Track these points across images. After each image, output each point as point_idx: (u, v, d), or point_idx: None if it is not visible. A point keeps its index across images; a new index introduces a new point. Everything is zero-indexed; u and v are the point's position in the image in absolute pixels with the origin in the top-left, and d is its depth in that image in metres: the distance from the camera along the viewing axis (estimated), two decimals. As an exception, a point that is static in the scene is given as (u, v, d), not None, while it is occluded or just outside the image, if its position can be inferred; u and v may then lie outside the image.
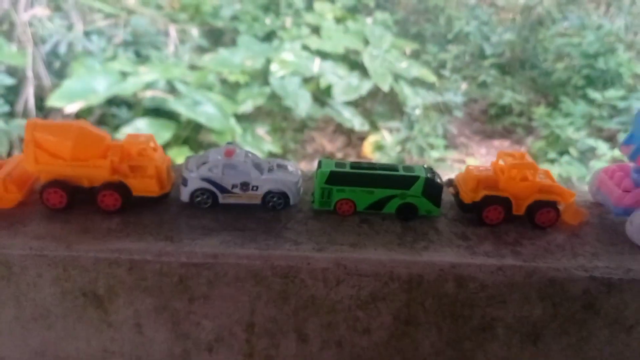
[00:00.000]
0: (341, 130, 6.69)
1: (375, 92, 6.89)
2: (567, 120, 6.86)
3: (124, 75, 5.33)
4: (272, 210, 0.89)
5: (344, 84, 6.67)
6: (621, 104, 6.86)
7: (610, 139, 6.58)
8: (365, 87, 6.75)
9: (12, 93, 4.93)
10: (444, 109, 6.34)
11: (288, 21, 7.53)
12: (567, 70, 7.44)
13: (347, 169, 0.89)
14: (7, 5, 5.29)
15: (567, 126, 6.74)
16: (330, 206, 0.89)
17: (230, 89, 6.17)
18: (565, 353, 0.86)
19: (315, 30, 7.39)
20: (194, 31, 6.90)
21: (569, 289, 0.81)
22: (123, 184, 0.83)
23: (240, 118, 5.88)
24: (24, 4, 5.41)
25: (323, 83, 6.51)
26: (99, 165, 0.82)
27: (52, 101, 4.67)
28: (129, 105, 5.27)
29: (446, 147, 6.20)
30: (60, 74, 5.34)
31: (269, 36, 7.25)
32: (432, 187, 0.88)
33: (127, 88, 5.06)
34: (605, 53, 7.35)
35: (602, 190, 0.93)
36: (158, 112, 5.22)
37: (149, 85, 5.39)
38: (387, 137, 6.18)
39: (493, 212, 0.88)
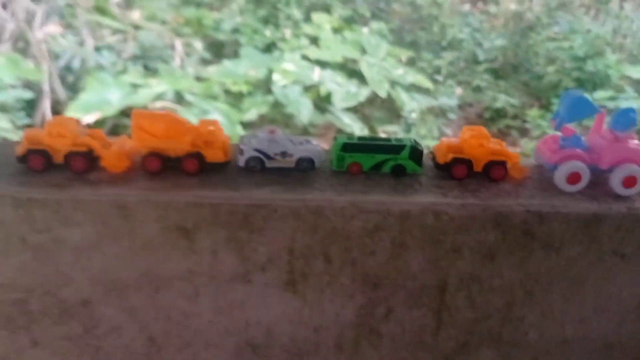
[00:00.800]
0: (343, 136, 6.89)
1: (373, 99, 7.11)
2: (558, 122, 7.09)
3: (135, 87, 5.56)
4: (302, 171, 1.19)
5: (343, 92, 6.87)
6: (610, 104, 7.09)
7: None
8: (364, 93, 6.94)
9: (30, 106, 5.17)
10: (440, 113, 6.59)
11: (287, 32, 7.79)
12: (558, 73, 7.66)
13: (356, 141, 1.19)
14: (23, 24, 5.56)
15: (558, 127, 6.96)
16: (344, 167, 1.19)
17: (235, 98, 6.40)
18: (513, 268, 1.15)
19: (314, 40, 7.63)
20: (198, 44, 7.17)
21: (512, 220, 1.10)
22: (200, 154, 1.14)
23: (245, 126, 6.11)
24: (39, 22, 5.67)
25: (323, 91, 6.70)
26: (182, 140, 1.13)
27: (71, 113, 4.92)
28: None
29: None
30: (74, 88, 5.58)
31: (269, 47, 7.50)
32: (416, 152, 1.19)
33: (139, 99, 5.30)
34: (594, 56, 7.58)
35: (540, 154, 1.23)
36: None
37: (159, 96, 5.64)
38: (386, 141, 6.41)
39: (459, 170, 1.18)
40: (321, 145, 1.23)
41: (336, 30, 8.02)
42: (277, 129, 1.21)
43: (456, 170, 1.19)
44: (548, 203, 1.13)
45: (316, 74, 6.74)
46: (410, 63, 8.18)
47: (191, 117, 5.34)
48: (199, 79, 6.40)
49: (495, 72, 8.38)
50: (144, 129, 1.13)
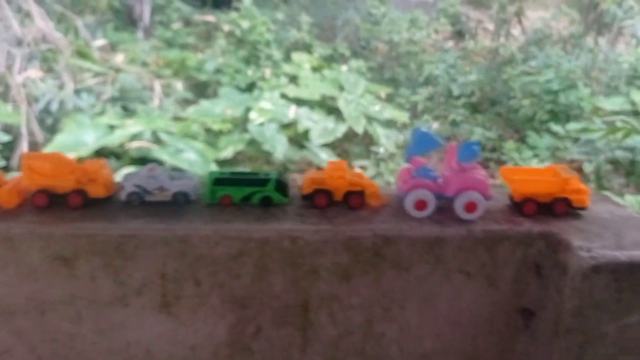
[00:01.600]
0: (322, 171, 6.98)
1: (351, 134, 7.25)
2: (532, 153, 7.21)
3: (111, 128, 5.71)
4: (178, 204, 1.31)
5: (320, 128, 7.00)
6: (583, 136, 7.21)
7: (577, 169, 6.95)
8: (341, 129, 7.06)
9: (8, 149, 5.32)
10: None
11: (267, 72, 8.02)
12: (533, 106, 7.82)
13: (227, 175, 1.32)
14: (3, 68, 5.75)
15: (531, 158, 7.07)
16: (216, 200, 1.32)
17: (214, 137, 6.57)
18: (368, 287, 1.26)
19: (294, 79, 7.85)
20: (179, 85, 7.37)
21: (362, 243, 1.21)
22: (83, 190, 1.28)
23: (222, 163, 6.25)
24: (18, 67, 5.87)
25: (300, 128, 6.85)
26: (68, 178, 1.27)
27: (45, 154, 5.07)
28: (117, 155, 5.68)
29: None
30: (52, 130, 5.74)
31: (250, 87, 7.73)
32: (281, 184, 1.31)
33: (114, 139, 5.46)
34: (567, 89, 7.75)
35: (397, 184, 1.36)
36: (144, 160, 5.61)
37: (135, 137, 5.79)
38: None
39: (320, 199, 1.30)
40: (197, 180, 1.37)
41: (316, 69, 8.23)
42: (156, 166, 1.35)
43: (317, 199, 1.32)
44: (396, 227, 1.25)
45: (292, 111, 6.91)
46: (389, 99, 8.37)
47: (165, 156, 5.45)
48: (177, 118, 6.58)
49: (472, 106, 8.54)
50: (33, 169, 1.27)
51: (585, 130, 7.29)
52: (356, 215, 1.30)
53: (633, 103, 7.99)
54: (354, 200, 1.33)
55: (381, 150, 5.99)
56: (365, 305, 1.31)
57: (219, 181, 1.32)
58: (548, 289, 1.29)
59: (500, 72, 8.69)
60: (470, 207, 1.29)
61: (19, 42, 5.94)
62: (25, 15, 6.26)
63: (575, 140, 7.27)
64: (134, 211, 1.28)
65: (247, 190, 1.32)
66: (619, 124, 6.20)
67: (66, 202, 1.28)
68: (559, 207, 1.33)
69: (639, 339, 1.27)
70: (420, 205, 1.30)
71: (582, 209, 1.35)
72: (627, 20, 8.78)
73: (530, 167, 1.41)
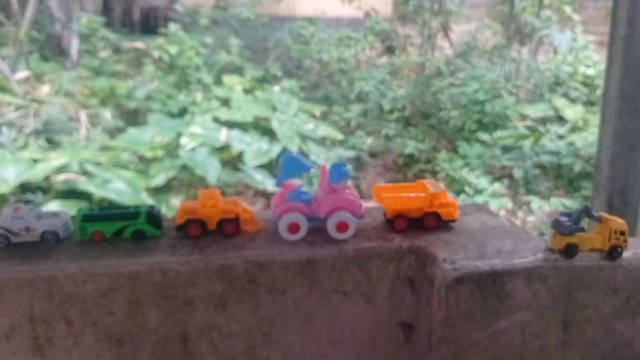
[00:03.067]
0: (261, 193, 6.97)
1: (285, 154, 7.26)
2: (462, 162, 7.39)
3: (34, 162, 5.55)
4: (48, 244, 1.29)
5: (254, 149, 6.98)
6: (509, 143, 7.45)
7: (508, 176, 7.17)
8: (275, 150, 7.07)
9: None
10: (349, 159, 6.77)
11: (199, 96, 7.97)
12: (462, 116, 8.05)
13: (95, 211, 1.31)
14: None
15: (462, 168, 7.24)
16: (87, 236, 1.30)
17: (147, 164, 6.46)
18: (246, 314, 1.26)
19: (226, 102, 7.83)
20: (107, 114, 7.23)
21: (235, 270, 1.22)
22: None
23: (154, 191, 6.15)
24: None
25: (234, 150, 6.82)
26: None
27: (-38, 192, 4.89)
28: (43, 189, 5.51)
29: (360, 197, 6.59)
30: (-29, 167, 5.52)
31: (182, 112, 7.65)
32: (152, 216, 1.31)
33: (37, 174, 5.30)
34: (492, 99, 8.01)
35: (271, 208, 1.38)
36: (72, 193, 5.47)
37: (61, 169, 5.64)
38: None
39: (193, 229, 1.31)
40: (67, 218, 1.35)
41: (248, 91, 8.23)
42: (22, 206, 1.32)
43: (190, 229, 1.32)
44: (267, 252, 1.27)
45: (223, 134, 6.88)
46: (323, 117, 8.44)
47: (93, 187, 5.31)
48: (105, 148, 6.45)
49: (405, 119, 8.71)
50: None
51: (502, 138, 7.52)
52: (230, 243, 1.31)
53: (556, 109, 8.32)
54: (227, 227, 1.33)
55: (313, 168, 6.01)
56: (245, 331, 1.31)
57: (88, 217, 1.30)
58: (421, 302, 1.32)
59: (429, 85, 8.92)
60: (342, 226, 1.31)
61: None
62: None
63: (504, 147, 7.51)
64: (1, 254, 1.26)
65: (118, 224, 1.31)
66: (524, 131, 6.48)
67: None
68: (429, 221, 1.37)
69: (510, 344, 1.32)
70: (293, 228, 1.31)
71: (452, 221, 1.40)
72: (544, 30, 9.16)
73: (400, 184, 1.44)
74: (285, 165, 1.34)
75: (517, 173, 7.10)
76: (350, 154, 6.49)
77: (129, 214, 1.31)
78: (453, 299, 1.24)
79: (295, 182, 1.38)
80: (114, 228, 1.31)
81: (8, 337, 1.22)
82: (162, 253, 1.26)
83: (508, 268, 1.25)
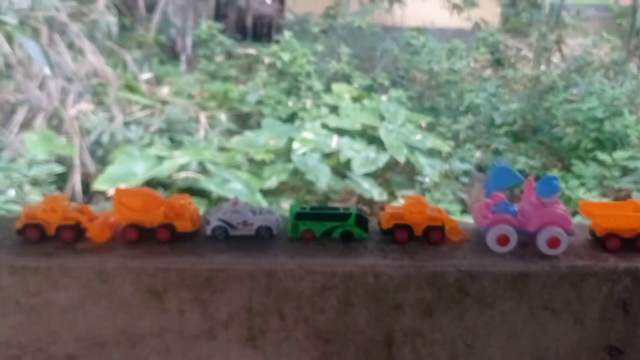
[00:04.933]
0: (363, 200, 6.97)
1: (392, 164, 7.24)
2: (578, 182, 7.06)
3: (160, 159, 5.84)
4: (261, 238, 1.35)
5: (362, 158, 7.01)
6: (631, 164, 7.06)
7: (625, 199, 6.78)
8: (383, 159, 7.05)
9: (61, 180, 5.48)
10: (452, 176, 6.68)
11: (308, 103, 8.11)
12: (577, 134, 7.70)
13: (308, 210, 1.35)
14: (57, 102, 5.96)
15: (578, 187, 6.93)
16: (298, 234, 1.34)
17: (257, 166, 6.64)
18: (451, 323, 1.26)
19: (334, 109, 7.92)
20: (223, 116, 7.52)
21: (446, 278, 1.22)
22: (171, 224, 1.32)
23: (266, 193, 6.31)
24: (72, 101, 6.07)
25: (342, 157, 6.87)
26: (156, 213, 1.32)
27: (97, 185, 5.22)
28: (165, 185, 5.80)
29: (462, 211, 6.47)
30: (103, 161, 5.90)
31: (291, 117, 7.83)
32: (361, 219, 1.33)
33: (163, 170, 5.58)
34: (612, 116, 7.62)
35: (476, 219, 1.36)
36: (191, 190, 5.71)
37: (183, 167, 5.92)
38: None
39: (400, 234, 1.32)
40: (279, 215, 1.40)
41: (356, 99, 8.29)
42: (240, 201, 1.38)
43: (398, 234, 1.33)
44: (479, 263, 1.26)
45: (334, 141, 6.95)
46: (430, 128, 8.35)
47: (212, 186, 5.53)
48: (222, 149, 6.69)
49: (514, 134, 8.46)
50: (124, 204, 1.32)
51: (633, 158, 7.14)
52: (437, 251, 1.31)
53: (682, 130, 7.80)
54: (434, 235, 1.34)
55: (427, 180, 5.97)
56: (449, 341, 1.30)
57: (300, 215, 1.34)
58: (635, 327, 1.27)
59: (542, 100, 8.61)
60: (553, 242, 1.28)
61: (72, 78, 6.16)
62: (77, 52, 6.50)
63: (623, 168, 7.12)
64: (220, 246, 1.32)
65: (328, 224, 1.34)
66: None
67: (154, 236, 1.32)
68: (645, 243, 1.32)
69: None
70: (503, 240, 1.30)
71: (668, 244, 1.34)
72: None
73: (609, 202, 1.40)
74: (495, 176, 1.33)
75: (637, 196, 6.72)
76: (466, 166, 6.36)
77: (339, 214, 1.34)
78: (679, 327, 1.18)
79: (502, 194, 1.36)
80: (324, 228, 1.34)
81: (226, 325, 1.28)
82: (373, 256, 1.28)
83: None
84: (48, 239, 1.32)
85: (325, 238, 1.34)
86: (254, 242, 1.32)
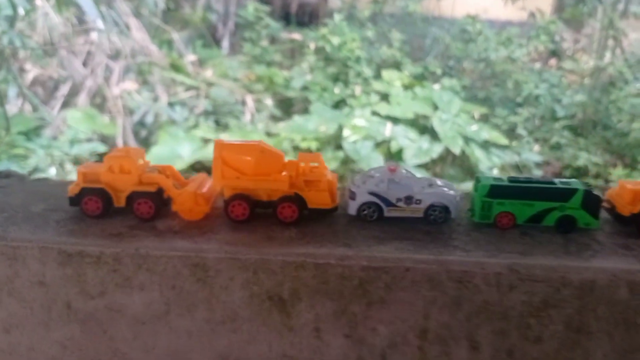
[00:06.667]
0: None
1: (445, 155, 6.87)
2: (646, 180, 6.56)
3: (206, 141, 5.56)
4: (432, 223, 0.90)
5: (415, 147, 6.69)
6: None
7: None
8: (436, 150, 6.74)
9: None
10: (522, 169, 6.24)
11: (358, 89, 7.73)
12: (644, 129, 7.24)
13: (507, 183, 0.90)
14: (101, 80, 5.68)
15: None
16: (490, 219, 0.89)
17: (302, 153, 6.29)
18: None
19: (384, 97, 7.53)
20: (268, 101, 7.19)
21: None
22: (300, 197, 0.87)
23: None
24: (116, 79, 5.79)
25: (394, 146, 6.55)
26: (278, 179, 0.86)
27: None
28: (210, 171, 5.46)
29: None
30: (146, 142, 5.62)
31: (338, 104, 7.45)
32: (591, 200, 0.88)
33: (209, 154, 5.24)
34: (683, 112, 7.13)
35: None
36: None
37: (229, 152, 5.57)
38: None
39: None
40: (457, 190, 0.95)
41: (406, 87, 7.91)
42: (399, 166, 0.95)
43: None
44: None
45: (388, 129, 6.57)
46: (484, 119, 7.93)
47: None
48: (269, 134, 6.36)
49: (574, 129, 8.00)
50: (228, 164, 0.89)
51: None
52: None
53: None
54: None
55: (495, 171, 5.51)
56: None
57: (495, 191, 0.89)
58: None
59: (606, 93, 8.12)
60: None
61: (116, 55, 5.87)
62: (122, 28, 6.19)
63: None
64: (374, 231, 0.88)
65: (538, 206, 0.89)
66: None
67: (274, 214, 0.89)
68: None
69: None
70: None
71: None
72: None
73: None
74: None
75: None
76: (537, 158, 5.90)
77: (557, 191, 0.89)
78: None
79: None
80: (531, 211, 0.89)
81: (384, 355, 0.85)
82: (620, 257, 0.85)
83: None
84: (116, 212, 0.91)
85: (532, 226, 0.90)
86: (423, 229, 0.89)
